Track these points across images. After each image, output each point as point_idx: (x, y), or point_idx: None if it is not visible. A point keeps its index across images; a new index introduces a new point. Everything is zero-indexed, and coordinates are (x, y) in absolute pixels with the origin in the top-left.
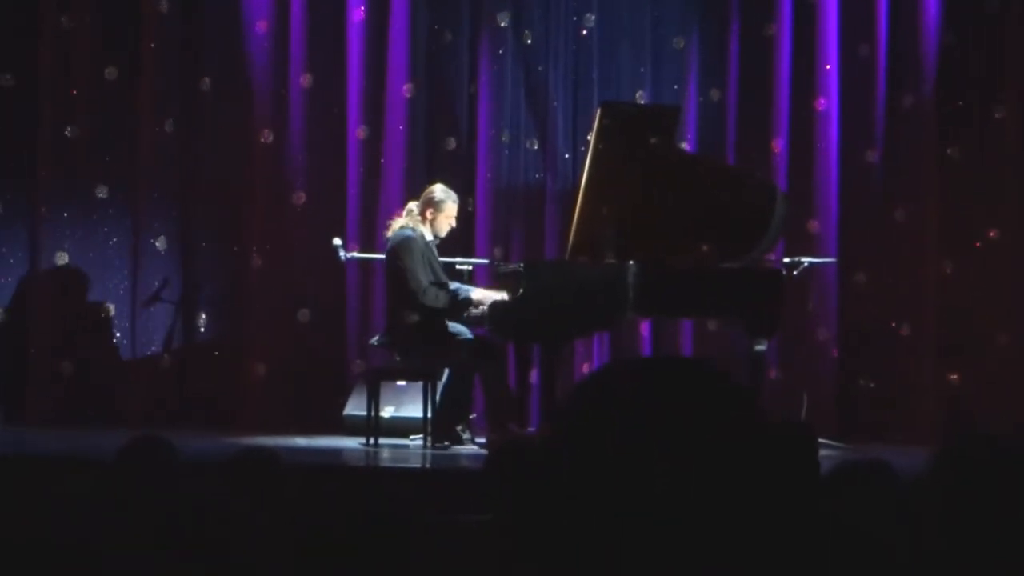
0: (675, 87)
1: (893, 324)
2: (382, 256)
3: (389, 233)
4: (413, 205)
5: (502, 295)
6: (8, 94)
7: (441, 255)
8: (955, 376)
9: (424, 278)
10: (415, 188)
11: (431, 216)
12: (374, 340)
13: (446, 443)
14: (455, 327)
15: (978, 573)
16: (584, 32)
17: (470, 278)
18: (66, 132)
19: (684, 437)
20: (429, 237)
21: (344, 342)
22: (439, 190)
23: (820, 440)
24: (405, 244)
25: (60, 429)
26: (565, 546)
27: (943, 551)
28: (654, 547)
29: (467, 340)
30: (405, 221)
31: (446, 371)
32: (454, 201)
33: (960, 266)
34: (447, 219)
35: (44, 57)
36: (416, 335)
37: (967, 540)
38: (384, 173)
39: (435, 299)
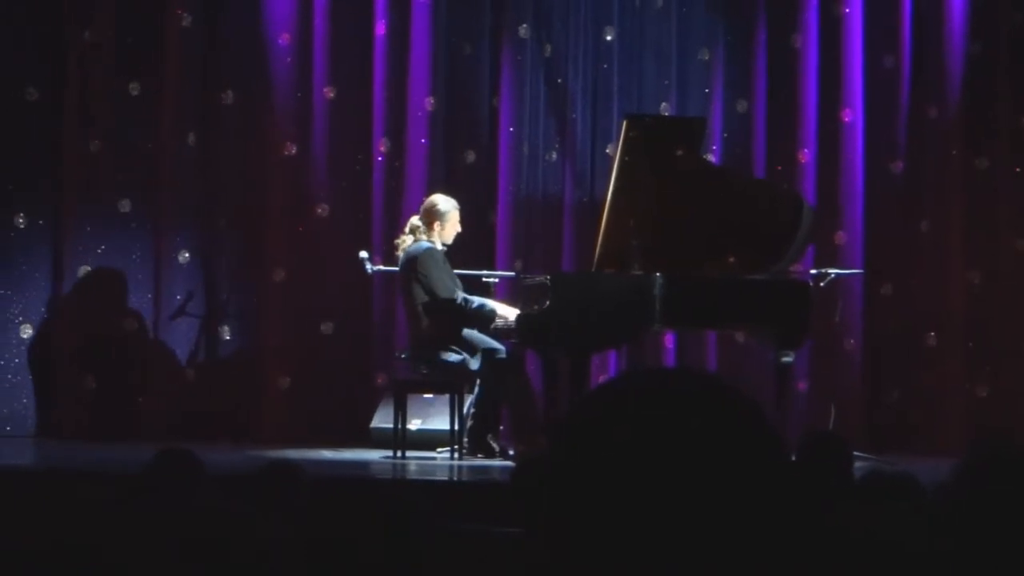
0: (700, 99)
1: (920, 334)
2: None
3: (399, 252)
4: (417, 221)
5: (515, 310)
6: (32, 109)
7: (462, 268)
8: (982, 387)
9: (455, 287)
10: None
11: (439, 227)
12: (403, 355)
13: (479, 455)
14: (483, 338)
15: None
16: (607, 40)
17: (493, 291)
18: (89, 147)
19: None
20: (441, 248)
21: (369, 355)
22: (441, 200)
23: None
24: (429, 256)
25: (87, 443)
26: (583, 562)
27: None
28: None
29: (494, 350)
30: (414, 237)
31: (476, 383)
32: (456, 208)
33: (987, 276)
34: (454, 227)
35: (67, 72)
36: (442, 345)
37: (989, 550)
38: (407, 186)
39: (468, 306)
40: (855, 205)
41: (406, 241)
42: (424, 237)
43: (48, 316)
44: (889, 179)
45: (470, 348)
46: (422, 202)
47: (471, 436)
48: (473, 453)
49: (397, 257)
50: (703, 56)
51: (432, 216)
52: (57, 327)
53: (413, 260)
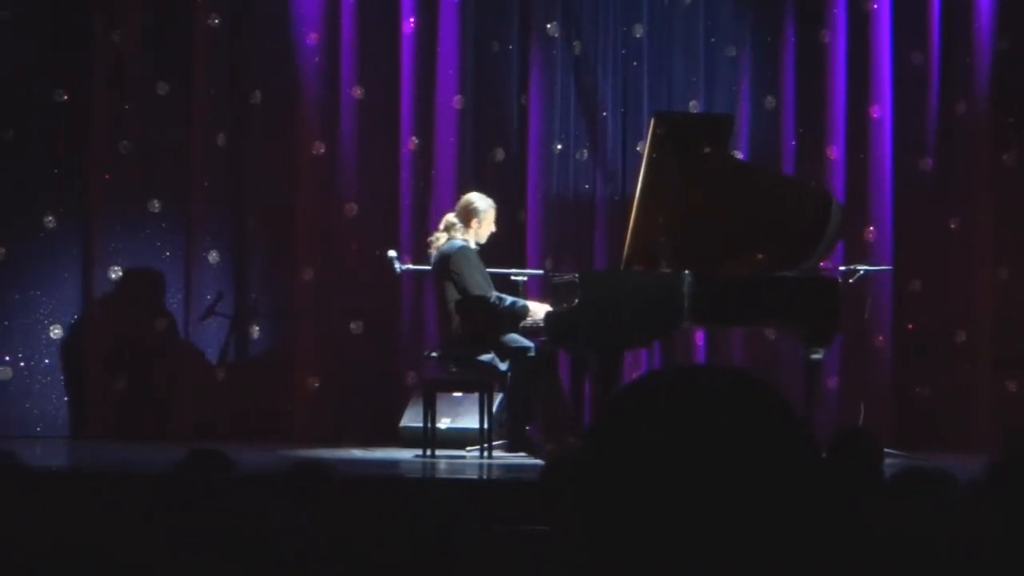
0: (728, 96)
1: (950, 331)
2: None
3: (433, 249)
4: (453, 218)
5: (547, 307)
6: (61, 110)
7: (491, 267)
8: (1012, 383)
9: (488, 286)
10: None
11: (476, 225)
12: (433, 354)
13: (522, 453)
14: (514, 338)
15: None
16: (636, 38)
17: (523, 290)
18: (119, 147)
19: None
20: (474, 247)
21: (398, 354)
22: (478, 198)
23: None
24: (464, 254)
25: (118, 443)
26: (612, 560)
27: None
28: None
29: (524, 349)
30: (450, 235)
31: (508, 381)
32: (493, 207)
33: (1016, 273)
34: (489, 226)
35: (96, 73)
36: (473, 344)
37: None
38: (435, 185)
39: (500, 305)
40: (884, 202)
41: (440, 239)
42: (459, 235)
43: (78, 316)
44: (918, 176)
45: (501, 348)
46: (454, 201)
47: (511, 434)
48: (516, 449)
49: (430, 255)
50: (731, 53)
51: (469, 214)
52: (87, 327)
53: (447, 258)
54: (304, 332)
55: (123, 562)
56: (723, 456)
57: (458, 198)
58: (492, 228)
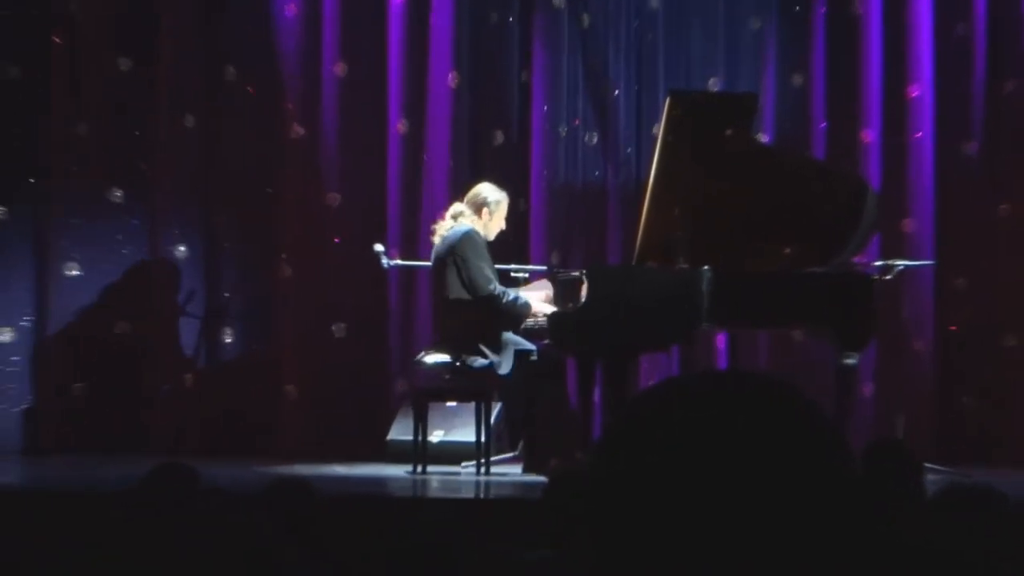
0: (752, 73)
1: (998, 333)
2: (427, 263)
3: (436, 238)
4: (463, 207)
5: (551, 307)
6: (12, 88)
7: (492, 260)
8: None
9: (495, 277)
10: (460, 188)
11: (487, 217)
12: (425, 358)
13: (539, 472)
14: (516, 339)
15: None
16: (651, 9)
17: (526, 288)
18: (77, 130)
19: (752, 470)
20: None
21: (386, 359)
22: (491, 189)
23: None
24: (469, 240)
25: (76, 457)
26: None
27: None
28: None
29: (527, 352)
30: (456, 224)
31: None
32: (507, 199)
33: None
34: (500, 220)
35: (52, 48)
36: (470, 344)
37: None
38: (427, 172)
39: (504, 298)
40: (924, 189)
41: (444, 227)
42: (467, 223)
43: (31, 319)
44: (962, 160)
45: (500, 349)
46: (447, 189)
47: (527, 452)
48: (534, 470)
49: (432, 243)
50: (755, 25)
51: (480, 204)
52: (41, 331)
53: (452, 243)
54: (282, 335)
55: None
56: (748, 469)
57: (451, 187)
58: (503, 224)
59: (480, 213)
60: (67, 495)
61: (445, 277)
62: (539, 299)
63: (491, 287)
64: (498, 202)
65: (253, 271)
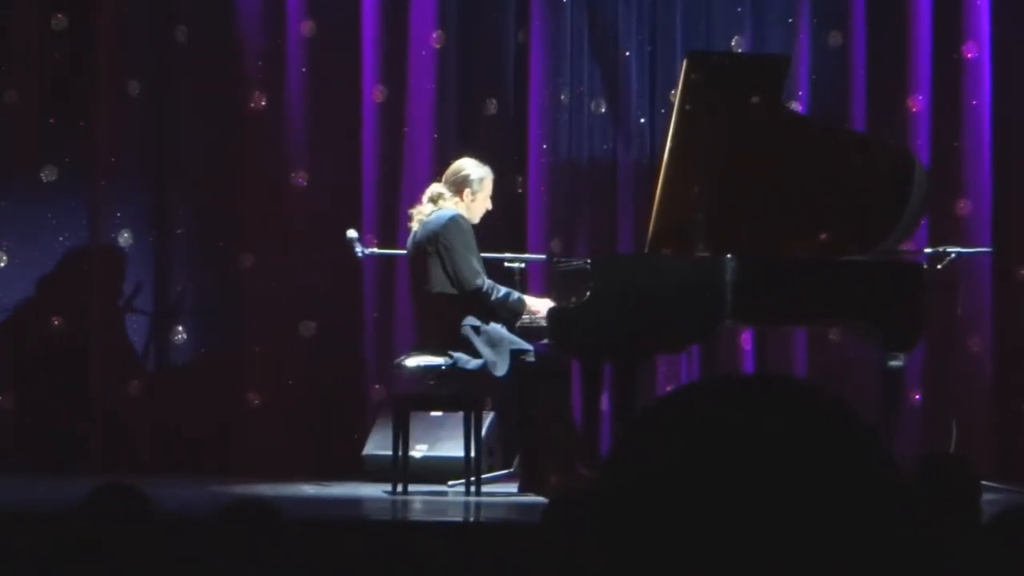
0: (782, 31)
1: None
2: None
3: (414, 224)
4: (441, 188)
5: (548, 302)
6: None
7: (481, 250)
8: None
9: (482, 269)
10: (446, 164)
11: (469, 198)
12: (406, 361)
13: (537, 491)
14: (511, 337)
15: None
16: None
17: (522, 279)
18: (3, 97)
19: (782, 485)
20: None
21: (362, 362)
22: (473, 165)
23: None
24: (456, 225)
25: (4, 477)
26: None
27: None
28: None
29: (522, 351)
30: (436, 207)
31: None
32: (491, 176)
33: None
34: (485, 200)
35: None
36: (455, 341)
37: None
38: (408, 146)
39: (493, 294)
40: (981, 166)
41: (424, 211)
42: (449, 206)
43: None
44: None
45: (495, 346)
46: (431, 167)
47: (524, 468)
48: (532, 488)
49: (409, 231)
50: None
51: (461, 183)
52: None
53: (435, 229)
54: (243, 334)
55: None
56: (777, 483)
57: (436, 163)
58: (488, 204)
59: (462, 194)
60: None
61: (427, 269)
62: (534, 298)
63: (478, 281)
64: (481, 179)
65: (209, 260)
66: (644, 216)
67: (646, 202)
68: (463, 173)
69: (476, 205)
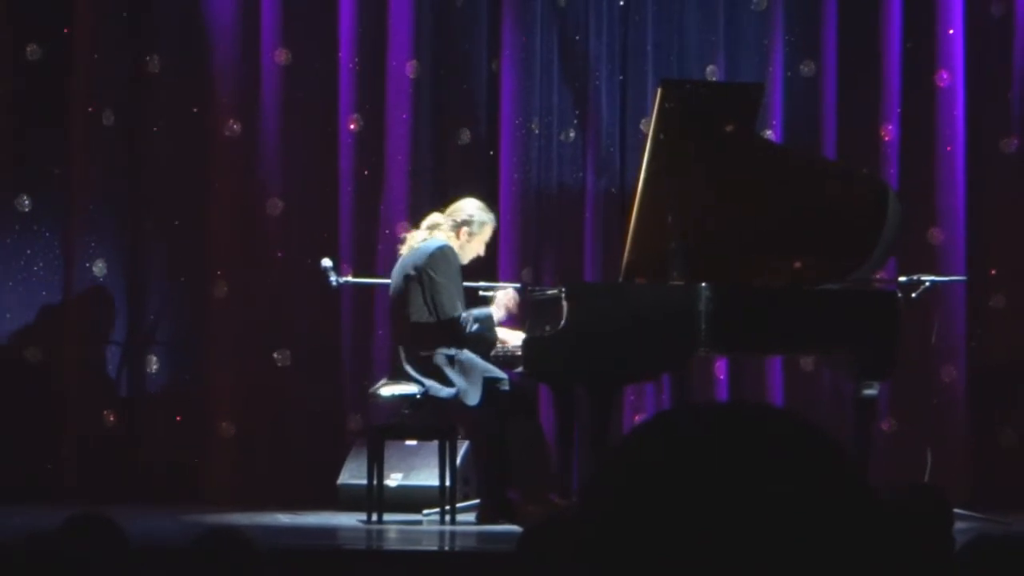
0: (756, 60)
1: None
2: (383, 281)
3: (405, 248)
4: (440, 218)
5: (520, 334)
6: None
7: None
8: None
9: (461, 303)
10: (421, 193)
11: (465, 239)
12: (380, 390)
13: (499, 520)
14: (484, 365)
15: None
16: None
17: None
18: None
19: (758, 512)
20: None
21: (337, 391)
22: (477, 208)
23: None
24: (444, 256)
25: None
26: None
27: None
28: None
29: (496, 380)
30: (431, 235)
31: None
32: (493, 223)
33: None
34: (480, 246)
35: None
36: (429, 369)
37: None
38: (384, 175)
39: (468, 329)
40: (955, 194)
41: (417, 237)
42: (442, 238)
43: None
44: (998, 160)
45: (467, 374)
46: (406, 194)
47: (485, 496)
48: (490, 519)
49: (392, 257)
50: (759, 6)
51: (461, 222)
52: None
53: (424, 255)
54: (216, 364)
55: None
56: (757, 518)
57: (411, 191)
58: (481, 250)
59: (459, 232)
60: None
61: (407, 296)
62: (504, 307)
63: (456, 312)
64: (483, 224)
65: (183, 290)
66: (614, 245)
67: (617, 231)
68: (466, 213)
69: (470, 246)
